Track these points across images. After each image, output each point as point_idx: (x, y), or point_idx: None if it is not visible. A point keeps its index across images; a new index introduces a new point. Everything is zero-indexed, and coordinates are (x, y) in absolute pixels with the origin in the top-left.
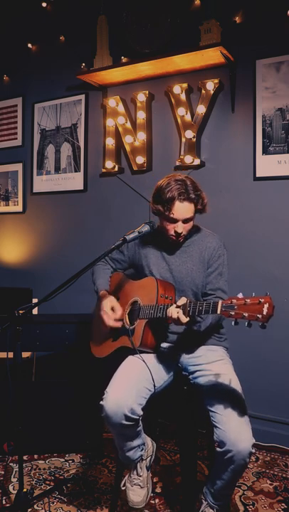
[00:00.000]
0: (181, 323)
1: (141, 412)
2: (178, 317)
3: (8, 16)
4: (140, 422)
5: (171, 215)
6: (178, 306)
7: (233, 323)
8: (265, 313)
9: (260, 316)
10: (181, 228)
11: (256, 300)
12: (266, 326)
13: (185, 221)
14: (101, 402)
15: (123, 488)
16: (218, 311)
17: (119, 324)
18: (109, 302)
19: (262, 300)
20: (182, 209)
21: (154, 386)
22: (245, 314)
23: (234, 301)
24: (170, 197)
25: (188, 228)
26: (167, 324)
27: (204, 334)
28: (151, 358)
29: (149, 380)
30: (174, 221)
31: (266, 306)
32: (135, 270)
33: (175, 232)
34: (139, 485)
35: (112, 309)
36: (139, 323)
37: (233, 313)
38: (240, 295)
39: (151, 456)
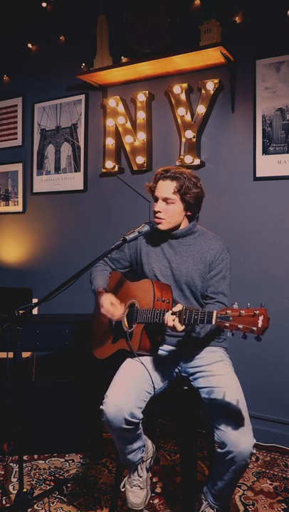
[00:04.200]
0: (177, 331)
1: (141, 416)
2: (174, 325)
3: (8, 16)
4: (140, 424)
5: (154, 192)
6: (174, 313)
7: (229, 334)
8: (260, 325)
9: (254, 328)
10: (158, 207)
11: (251, 312)
12: (261, 338)
13: (164, 200)
14: (101, 407)
15: (123, 490)
16: (213, 322)
17: (118, 316)
18: (108, 298)
19: (257, 312)
20: (162, 186)
21: (154, 388)
22: (240, 326)
23: (229, 312)
24: (155, 175)
25: (168, 213)
26: (165, 328)
27: (204, 339)
28: (150, 361)
29: (149, 382)
30: (156, 199)
31: (261, 318)
32: (135, 268)
33: (154, 211)
34: (139, 486)
35: (112, 304)
36: (137, 327)
37: (227, 324)
38: (235, 305)
39: (152, 458)
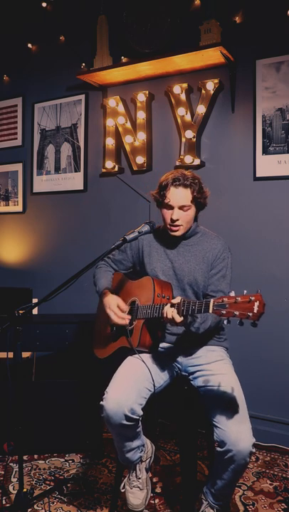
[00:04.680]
0: (176, 322)
1: (141, 412)
2: (172, 316)
3: (8, 15)
4: (140, 422)
5: (167, 201)
6: (172, 305)
7: (225, 321)
8: (255, 311)
9: (250, 314)
10: (176, 215)
11: (247, 298)
12: (257, 324)
13: (181, 208)
14: (101, 403)
15: (122, 491)
16: (210, 310)
17: (125, 322)
18: (114, 300)
19: (252, 298)
20: (177, 194)
21: (154, 386)
22: (236, 313)
23: (225, 299)
24: (166, 184)
25: (186, 219)
26: (165, 324)
27: (203, 336)
28: (150, 358)
29: (149, 379)
30: (170, 207)
31: (257, 304)
32: (138, 268)
33: (171, 219)
34: (139, 487)
35: (118, 307)
36: (137, 324)
37: (224, 311)
38: (231, 293)
39: (151, 458)
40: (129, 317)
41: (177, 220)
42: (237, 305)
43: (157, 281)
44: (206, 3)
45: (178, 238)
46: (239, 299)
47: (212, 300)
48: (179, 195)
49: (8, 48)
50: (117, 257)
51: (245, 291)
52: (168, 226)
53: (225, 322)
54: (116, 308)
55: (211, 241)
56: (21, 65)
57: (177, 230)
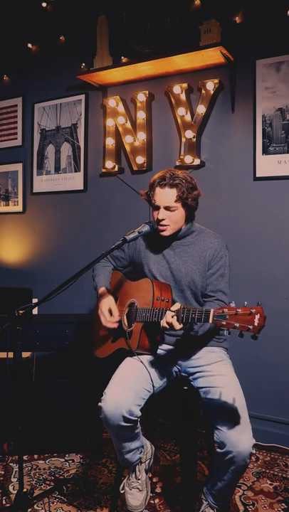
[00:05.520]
0: (175, 329)
1: (139, 414)
2: (172, 323)
3: (8, 15)
4: (138, 423)
5: (153, 201)
6: (172, 311)
7: (226, 332)
8: (256, 324)
9: (251, 326)
10: (162, 215)
11: (247, 310)
12: (257, 336)
13: (167, 208)
14: (99, 404)
15: (122, 492)
16: (210, 320)
17: (115, 325)
18: (107, 303)
19: (253, 310)
20: (161, 195)
21: (153, 387)
22: (237, 325)
23: (226, 310)
24: (152, 183)
25: (173, 220)
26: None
27: (203, 338)
28: (149, 359)
29: (148, 380)
30: (157, 208)
31: (257, 316)
32: (135, 268)
33: (157, 219)
34: (138, 488)
35: (110, 311)
36: (136, 326)
37: (224, 322)
38: (232, 304)
39: (150, 459)
40: (118, 319)
41: (163, 219)
42: (237, 317)
43: (156, 283)
44: (206, 3)
45: (169, 238)
46: (240, 310)
47: (212, 310)
48: (163, 196)
49: (8, 48)
50: (116, 253)
51: (245, 303)
52: (157, 226)
53: (226, 333)
54: (106, 313)
55: (207, 239)
56: (21, 65)
57: (164, 230)
